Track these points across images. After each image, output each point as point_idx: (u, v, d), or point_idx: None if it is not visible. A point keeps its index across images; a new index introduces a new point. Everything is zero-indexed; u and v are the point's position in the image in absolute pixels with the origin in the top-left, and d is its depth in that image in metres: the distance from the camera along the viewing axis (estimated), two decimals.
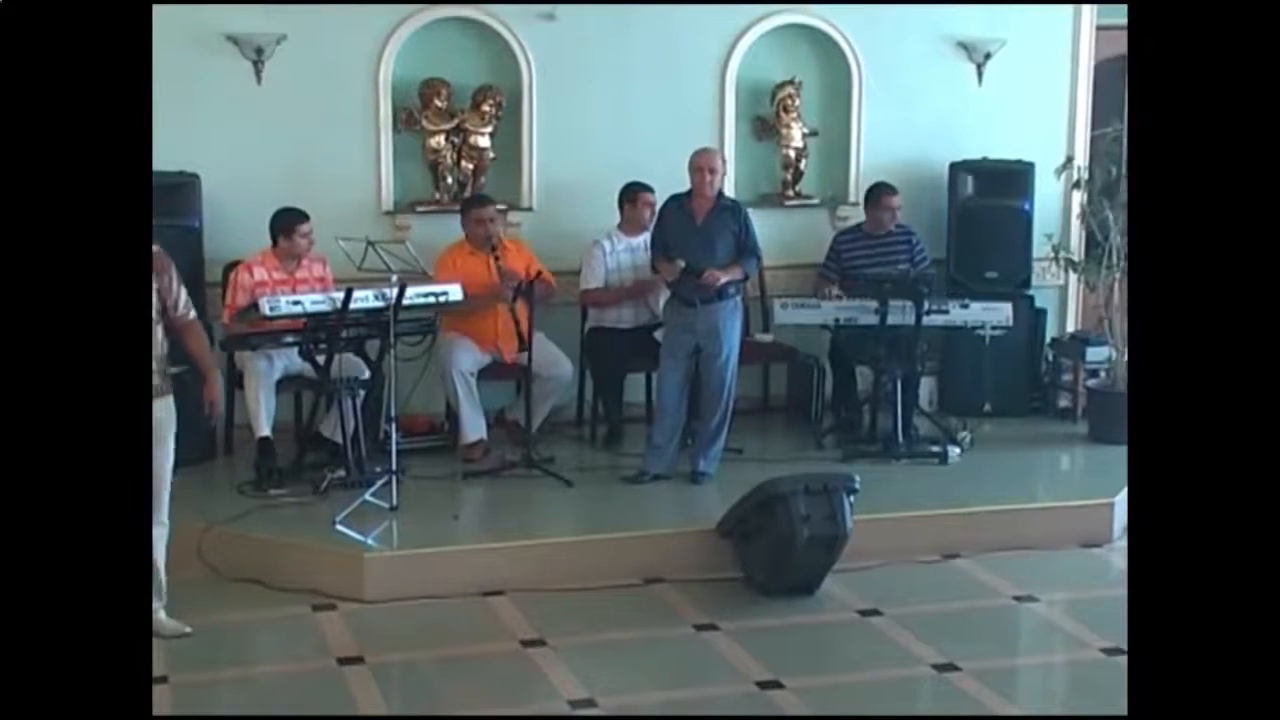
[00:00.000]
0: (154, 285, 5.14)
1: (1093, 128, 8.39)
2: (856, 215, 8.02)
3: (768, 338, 7.91)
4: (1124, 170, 7.06)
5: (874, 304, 7.24)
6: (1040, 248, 8.13)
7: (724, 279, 6.71)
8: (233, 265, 6.93)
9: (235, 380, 6.95)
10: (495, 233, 7.17)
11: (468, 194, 7.66)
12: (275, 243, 6.87)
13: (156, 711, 4.72)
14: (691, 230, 6.77)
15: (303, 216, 6.85)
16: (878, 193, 7.77)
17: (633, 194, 7.50)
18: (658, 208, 7.14)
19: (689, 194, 6.83)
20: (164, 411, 5.20)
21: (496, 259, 7.01)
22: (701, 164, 6.76)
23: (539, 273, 7.00)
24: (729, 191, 7.68)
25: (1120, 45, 7.03)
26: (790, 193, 8.21)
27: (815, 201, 8.25)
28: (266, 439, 6.69)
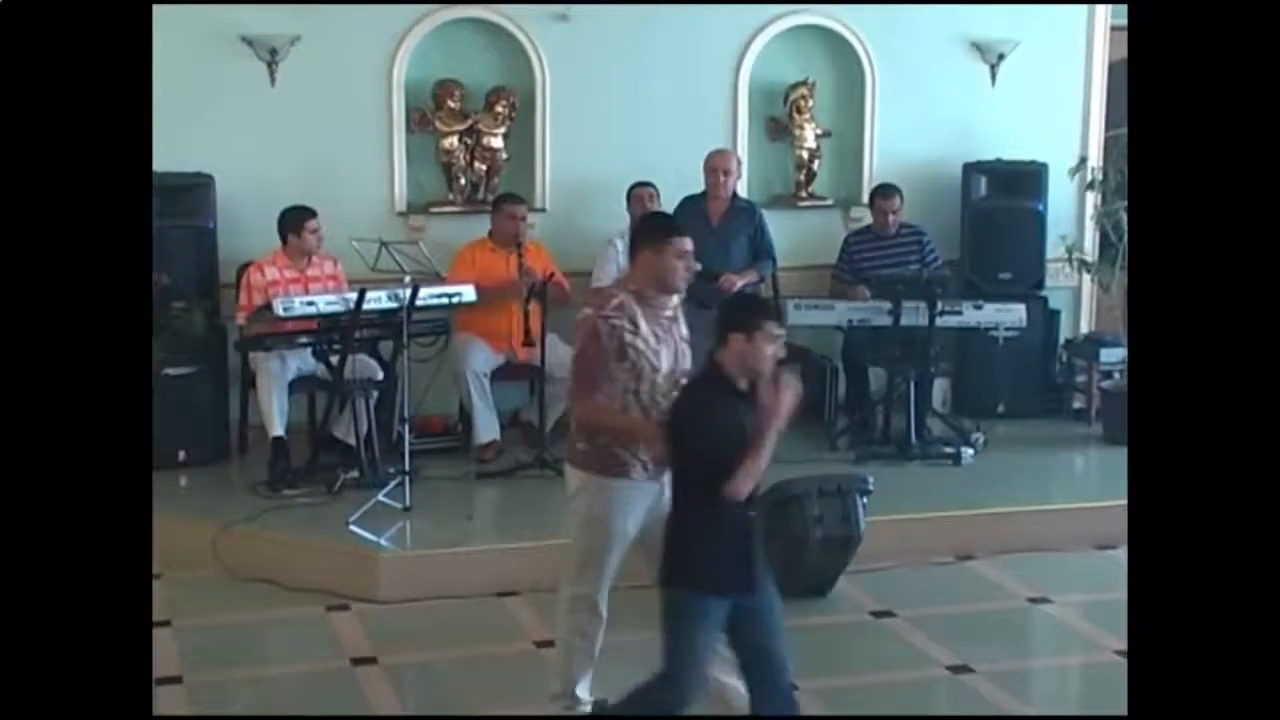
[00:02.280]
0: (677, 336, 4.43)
1: (1107, 128, 8.37)
2: (869, 216, 8.01)
3: None
4: None
5: (887, 305, 7.24)
6: (1054, 249, 8.12)
7: (740, 283, 6.70)
8: (245, 266, 6.94)
9: (248, 381, 6.97)
10: (523, 231, 7.19)
11: (481, 195, 7.70)
12: (285, 241, 6.90)
13: (172, 711, 4.75)
14: (707, 232, 6.77)
15: (310, 213, 6.87)
16: (875, 196, 7.82)
17: (631, 191, 7.53)
18: (672, 208, 7.13)
19: (703, 195, 6.82)
20: (634, 490, 4.39)
21: (520, 256, 7.02)
22: (716, 165, 6.76)
23: (551, 274, 7.01)
24: (741, 192, 7.69)
25: None
26: (803, 194, 8.21)
27: (829, 202, 8.25)
28: (280, 439, 6.70)
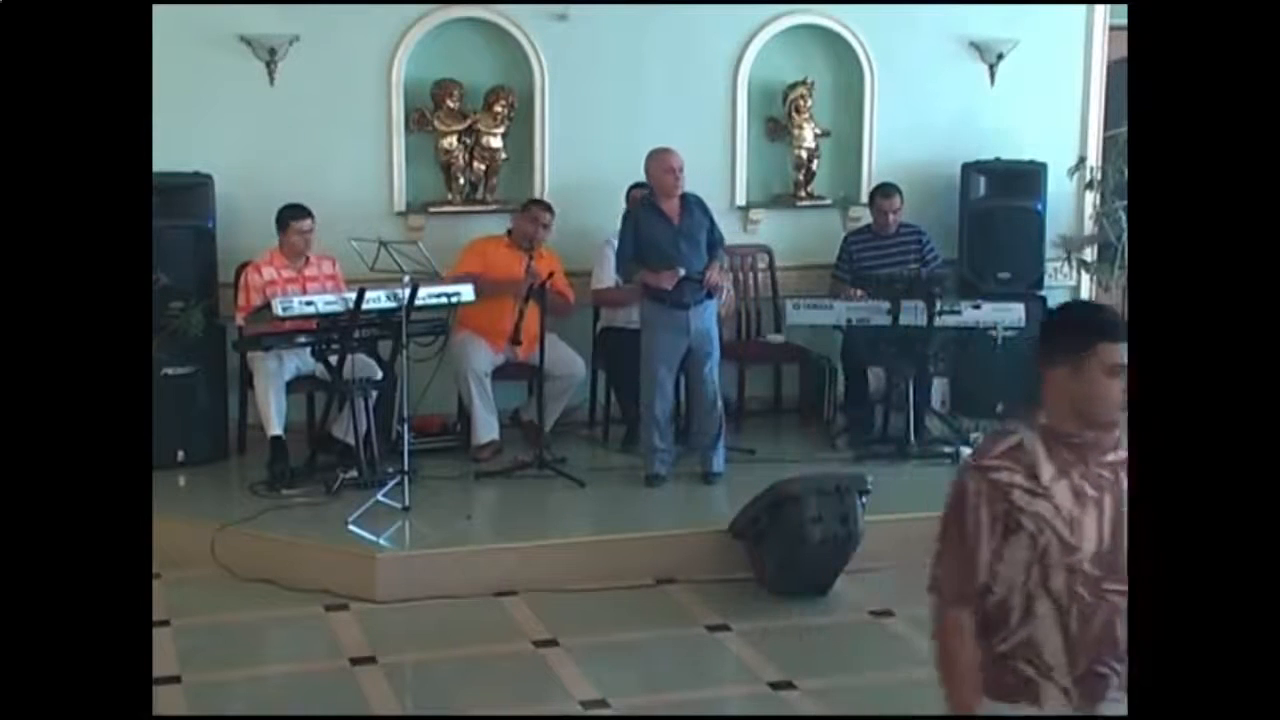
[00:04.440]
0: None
1: (1105, 128, 8.38)
2: (868, 216, 8.01)
3: (779, 339, 7.91)
4: None
5: (886, 304, 7.24)
6: (1053, 248, 8.12)
7: (718, 276, 6.75)
8: (244, 266, 6.94)
9: (247, 380, 6.97)
10: (541, 238, 7.19)
11: (480, 195, 7.73)
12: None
13: (171, 710, 4.75)
14: (675, 233, 6.70)
15: (301, 213, 6.85)
16: (875, 195, 7.81)
17: (630, 192, 7.52)
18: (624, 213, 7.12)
19: (651, 194, 6.80)
20: None
21: (530, 259, 7.01)
22: (674, 164, 6.71)
23: (550, 274, 6.97)
24: (741, 193, 7.72)
25: None
26: (802, 193, 8.21)
27: (827, 202, 8.25)
28: (278, 439, 6.70)
